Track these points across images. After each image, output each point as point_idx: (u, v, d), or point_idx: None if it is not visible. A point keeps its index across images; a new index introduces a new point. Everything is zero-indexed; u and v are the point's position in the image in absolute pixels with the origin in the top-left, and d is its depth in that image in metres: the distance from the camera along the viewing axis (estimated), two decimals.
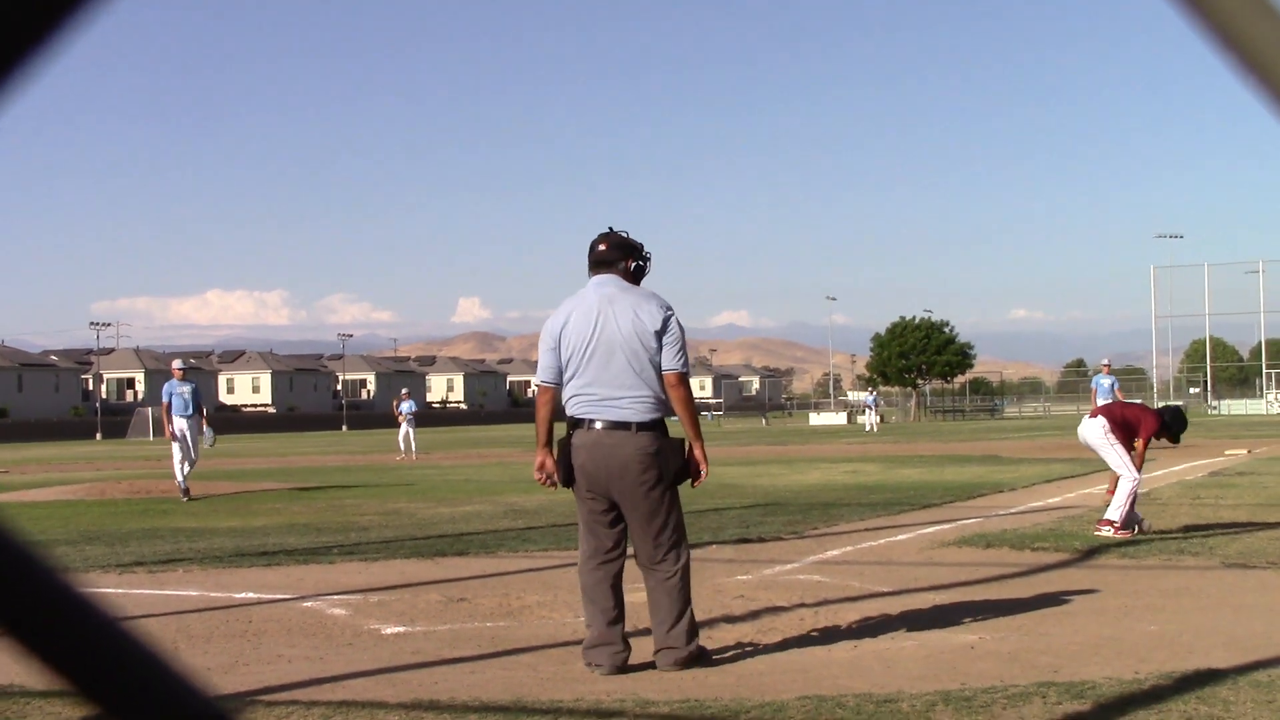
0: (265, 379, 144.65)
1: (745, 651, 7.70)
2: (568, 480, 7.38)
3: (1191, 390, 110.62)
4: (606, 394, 7.25)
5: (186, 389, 21.88)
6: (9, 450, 63.84)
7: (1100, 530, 12.84)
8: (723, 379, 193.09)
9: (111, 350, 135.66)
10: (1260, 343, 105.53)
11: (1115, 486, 13.19)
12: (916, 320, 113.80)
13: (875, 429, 67.48)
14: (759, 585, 10.29)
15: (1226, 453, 29.60)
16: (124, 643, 0.76)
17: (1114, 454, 13.18)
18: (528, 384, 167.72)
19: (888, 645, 7.79)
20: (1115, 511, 12.90)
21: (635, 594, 7.63)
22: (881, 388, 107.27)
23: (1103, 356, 35.65)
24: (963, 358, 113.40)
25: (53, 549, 13.65)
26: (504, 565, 11.88)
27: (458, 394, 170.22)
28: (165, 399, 21.86)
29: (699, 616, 7.53)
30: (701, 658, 7.31)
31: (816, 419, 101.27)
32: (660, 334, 7.29)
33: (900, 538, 13.69)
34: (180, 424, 21.58)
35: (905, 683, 6.68)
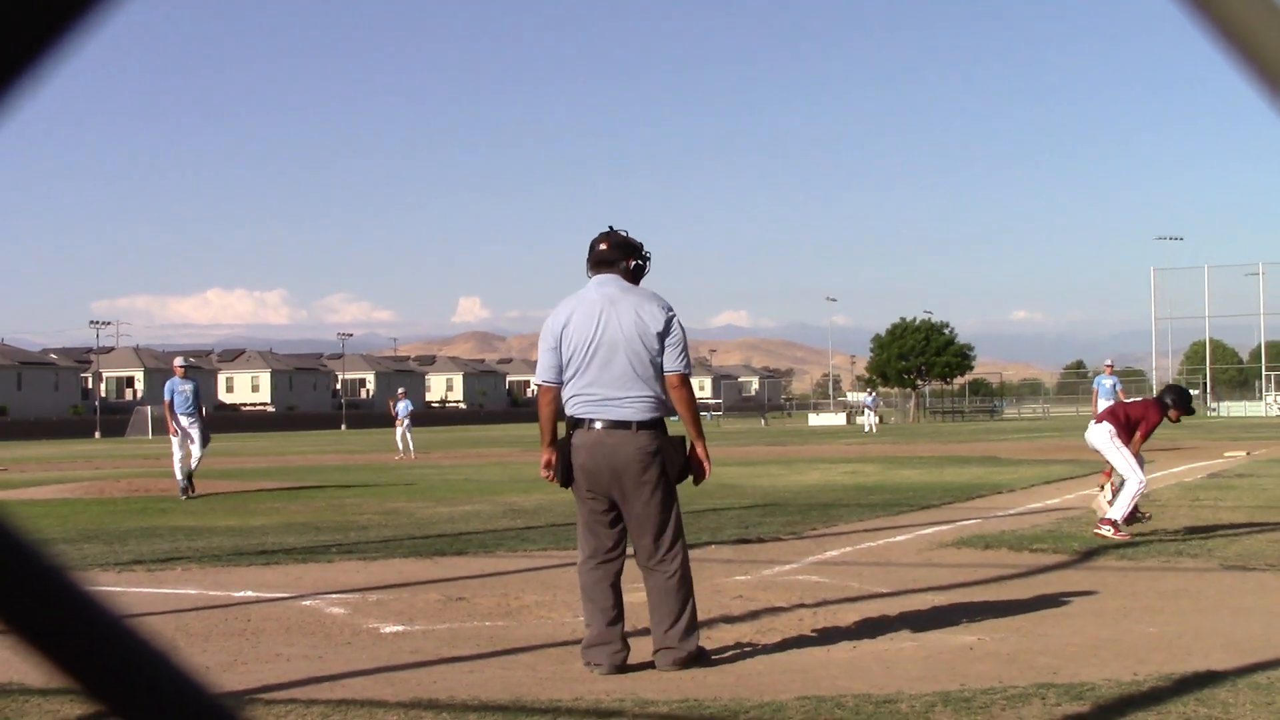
0: (265, 378, 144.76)
1: (744, 652, 7.70)
2: (567, 480, 7.39)
3: (1191, 392, 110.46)
4: (607, 394, 7.26)
5: (188, 387, 21.86)
6: (8, 448, 63.90)
7: (1100, 530, 12.85)
8: (722, 379, 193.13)
9: (111, 349, 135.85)
10: (1260, 345, 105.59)
11: (1118, 485, 13.23)
12: (916, 321, 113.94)
13: (874, 430, 67.49)
14: (758, 585, 10.30)
15: (1226, 455, 29.61)
16: (128, 640, 0.76)
17: (1119, 457, 13.25)
18: (527, 384, 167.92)
19: (887, 646, 7.79)
20: (1117, 512, 12.92)
21: (634, 594, 7.64)
22: (881, 389, 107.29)
23: (1104, 358, 35.66)
24: (962, 359, 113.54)
25: (52, 547, 13.63)
26: (503, 565, 11.89)
27: (457, 393, 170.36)
28: (167, 397, 21.84)
29: (698, 616, 7.52)
30: (700, 658, 7.31)
31: (816, 420, 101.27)
32: (662, 335, 7.30)
33: (899, 539, 13.70)
34: (182, 423, 21.58)
35: (904, 683, 6.69)
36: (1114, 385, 33.21)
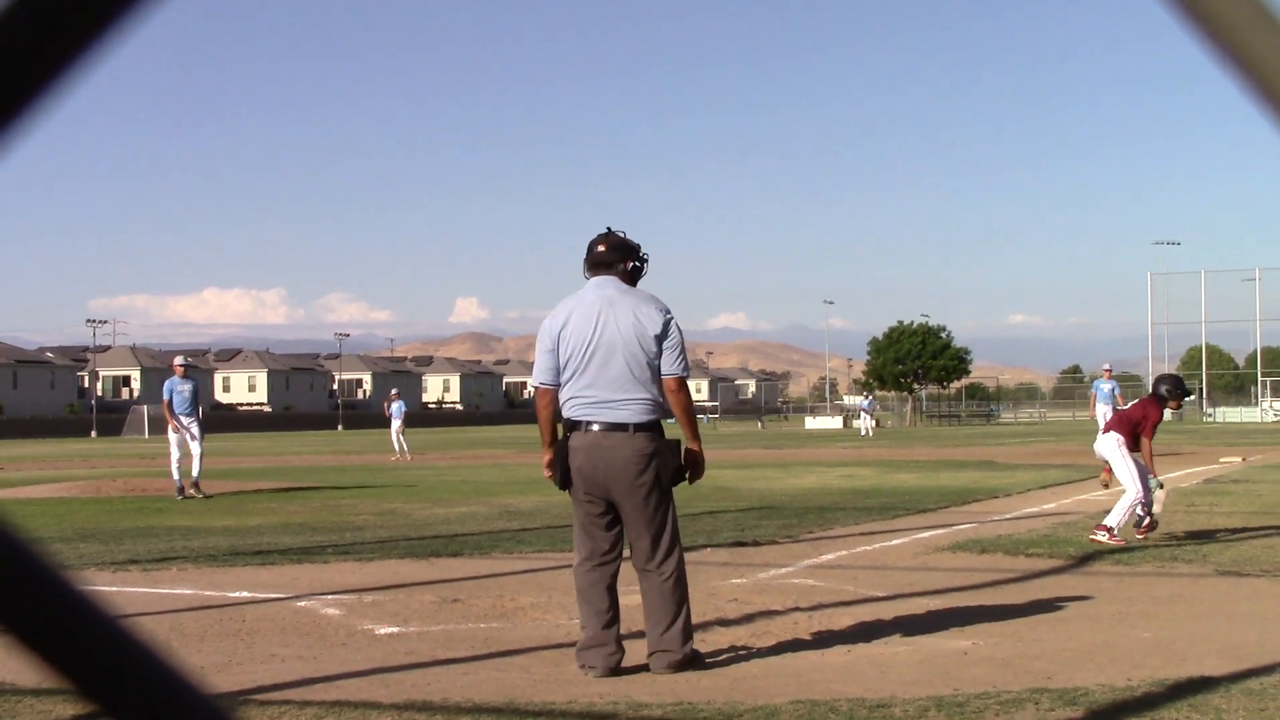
0: (261, 378, 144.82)
1: (739, 655, 7.71)
2: (564, 483, 7.40)
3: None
4: (605, 396, 7.26)
5: (188, 387, 21.85)
6: (4, 447, 63.91)
7: (1096, 536, 12.87)
8: (719, 382, 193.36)
9: (108, 348, 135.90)
10: (1256, 350, 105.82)
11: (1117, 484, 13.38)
12: (913, 325, 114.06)
13: (871, 433, 67.53)
14: (753, 589, 10.30)
15: (1221, 460, 29.63)
16: (122, 640, 0.76)
17: (1123, 466, 13.32)
18: (524, 385, 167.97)
19: (881, 650, 7.80)
20: (1113, 519, 12.95)
21: (630, 596, 7.65)
22: (878, 392, 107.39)
23: (1101, 362, 35.72)
24: (959, 363, 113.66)
25: (47, 546, 13.64)
26: (498, 566, 11.91)
27: (454, 394, 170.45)
28: (166, 396, 21.82)
29: (694, 619, 7.54)
30: (695, 661, 7.32)
31: (812, 423, 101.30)
32: (660, 338, 7.30)
33: (895, 542, 13.71)
34: (183, 422, 21.57)
35: (898, 688, 6.70)
36: (1112, 390, 33.28)
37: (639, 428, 7.25)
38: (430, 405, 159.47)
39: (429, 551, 13.03)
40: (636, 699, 6.61)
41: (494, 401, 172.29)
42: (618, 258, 7.50)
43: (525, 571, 11.46)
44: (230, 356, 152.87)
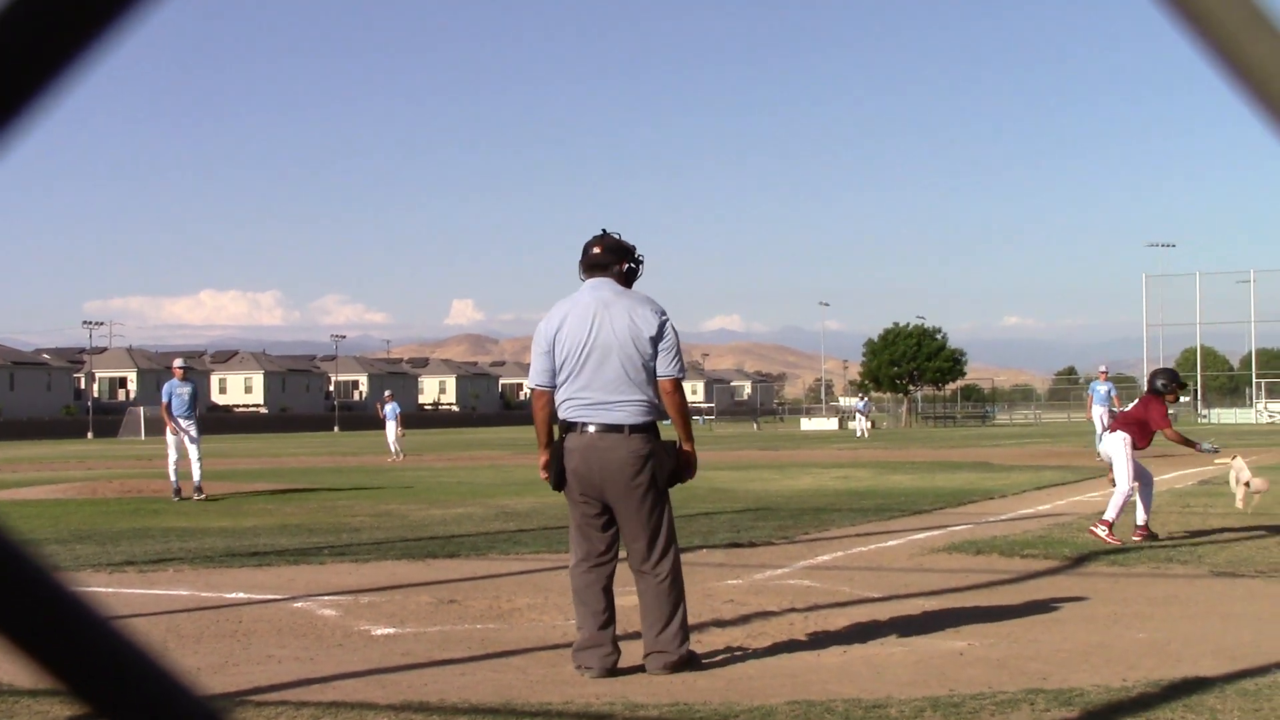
0: (258, 379, 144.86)
1: (735, 656, 7.72)
2: (560, 484, 7.41)
3: (1182, 399, 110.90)
4: (600, 398, 7.27)
5: (186, 390, 21.85)
6: (1, 449, 63.87)
7: (1095, 530, 13.00)
8: (715, 383, 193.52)
9: (104, 349, 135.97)
10: (1250, 352, 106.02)
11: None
12: (909, 327, 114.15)
13: (866, 435, 67.56)
14: (749, 590, 10.32)
15: (1216, 462, 29.62)
16: (116, 642, 0.76)
17: (1123, 463, 13.49)
18: (520, 386, 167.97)
19: (877, 651, 7.82)
20: (1110, 513, 13.10)
21: (626, 597, 7.66)
22: (873, 394, 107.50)
23: (1096, 364, 35.75)
24: (954, 364, 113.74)
25: (43, 548, 13.67)
26: (495, 568, 11.92)
27: (450, 396, 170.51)
28: (165, 399, 21.81)
29: (690, 620, 7.55)
30: (691, 662, 7.33)
31: (808, 424, 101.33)
32: (656, 339, 7.32)
33: (890, 544, 13.73)
34: (181, 424, 21.56)
35: (894, 689, 6.72)
36: (1109, 391, 33.29)
37: (634, 429, 7.26)
38: (426, 407, 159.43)
39: (425, 553, 13.04)
40: (633, 699, 6.63)
41: (490, 403, 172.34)
42: (613, 260, 7.51)
43: (521, 573, 11.47)
44: (226, 358, 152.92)
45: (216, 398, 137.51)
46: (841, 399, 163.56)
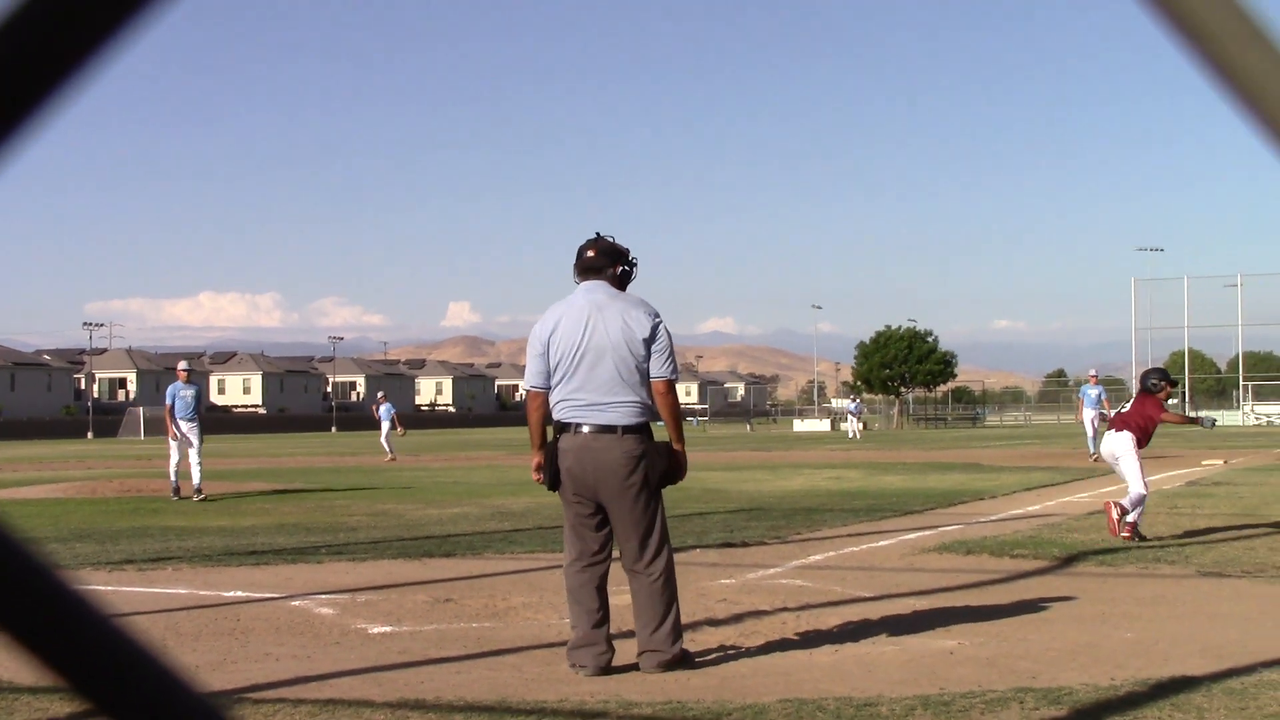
0: (256, 380, 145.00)
1: (728, 654, 7.75)
2: (554, 484, 7.44)
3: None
4: (594, 399, 7.31)
5: (190, 392, 21.88)
6: (1, 448, 63.88)
7: (1124, 534, 13.30)
8: (708, 385, 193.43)
9: (104, 350, 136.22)
10: (1238, 355, 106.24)
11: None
12: (900, 330, 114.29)
13: (858, 436, 67.56)
14: (742, 589, 10.36)
15: (1203, 463, 29.74)
16: (117, 639, 0.75)
17: (1133, 463, 13.70)
18: (516, 387, 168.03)
19: (868, 650, 7.85)
20: (1132, 516, 13.48)
21: (620, 596, 7.69)
22: (865, 396, 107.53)
23: (1086, 367, 35.87)
24: (945, 367, 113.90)
25: (44, 546, 13.72)
26: (490, 567, 11.96)
27: (446, 397, 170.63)
28: (169, 400, 21.84)
29: (683, 619, 7.58)
30: (685, 660, 7.36)
31: (800, 426, 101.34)
32: (649, 341, 7.35)
33: (882, 544, 13.78)
34: (182, 427, 21.55)
35: (885, 687, 6.74)
36: (1099, 395, 33.42)
37: (627, 430, 7.30)
38: (423, 407, 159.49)
39: (422, 552, 13.08)
40: (627, 697, 6.66)
41: (486, 404, 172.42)
42: (607, 263, 7.55)
43: (517, 572, 11.51)
44: (225, 359, 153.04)
45: (215, 398, 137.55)
46: (834, 401, 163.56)
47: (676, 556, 7.87)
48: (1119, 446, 13.90)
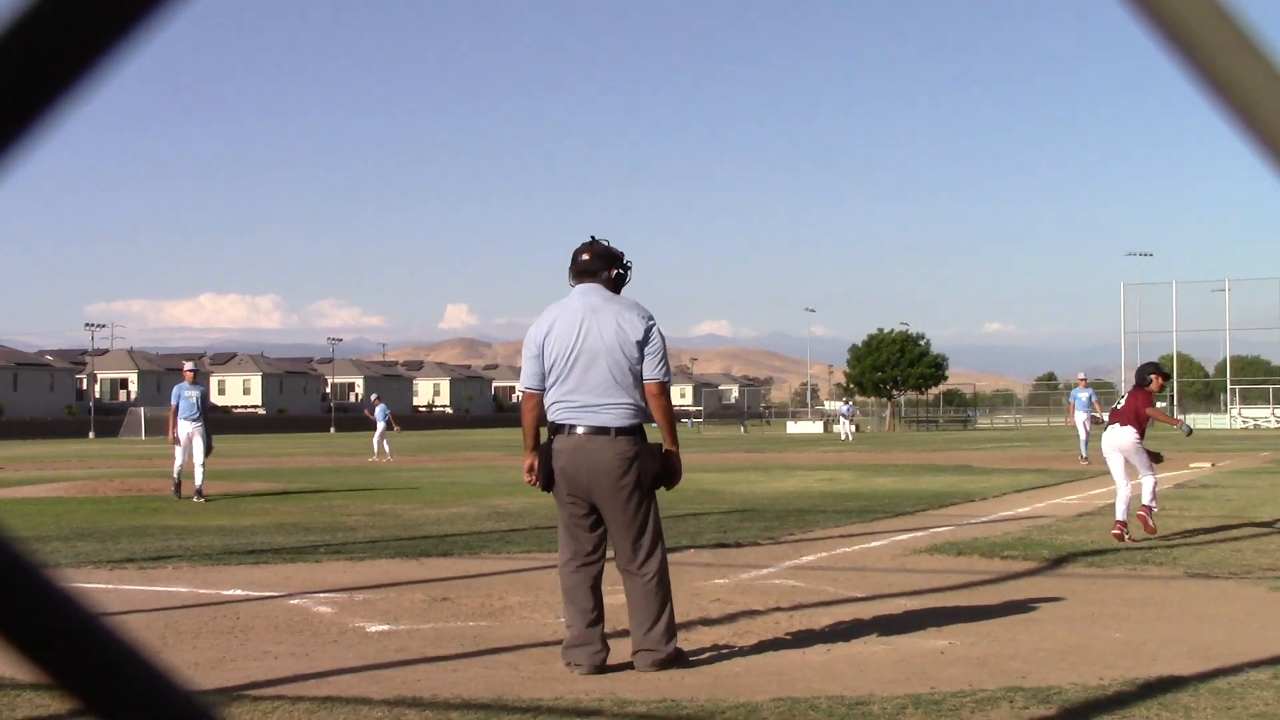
0: (256, 381, 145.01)
1: (721, 654, 7.79)
2: (548, 484, 7.47)
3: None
4: (588, 400, 7.35)
5: (195, 393, 21.89)
6: (4, 447, 63.93)
7: (1144, 519, 13.77)
8: (703, 387, 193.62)
9: (106, 351, 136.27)
10: (1225, 359, 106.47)
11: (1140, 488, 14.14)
12: (892, 333, 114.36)
13: (851, 438, 67.59)
14: (735, 589, 10.39)
15: (1191, 466, 29.84)
16: (106, 638, 0.74)
17: (1142, 458, 14.10)
18: (513, 389, 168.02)
19: (860, 649, 7.88)
20: (1150, 503, 13.93)
21: (615, 596, 7.74)
22: (858, 398, 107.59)
23: (1075, 370, 35.98)
24: (936, 370, 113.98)
25: (45, 545, 13.78)
26: (487, 566, 12.00)
27: (444, 398, 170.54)
28: (174, 401, 21.86)
29: (677, 619, 7.61)
30: (678, 659, 7.39)
31: (794, 428, 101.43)
32: (642, 344, 7.39)
33: (874, 544, 13.84)
34: (187, 428, 21.51)
35: (876, 686, 6.78)
36: (1089, 397, 33.60)
37: (621, 431, 7.34)
38: (421, 409, 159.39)
39: (419, 551, 13.13)
40: (621, 696, 6.70)
41: (483, 405, 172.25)
42: (602, 266, 7.60)
43: (513, 571, 11.55)
44: (226, 360, 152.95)
45: (215, 399, 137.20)
46: (827, 403, 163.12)
47: (671, 557, 7.91)
48: (1124, 441, 14.13)
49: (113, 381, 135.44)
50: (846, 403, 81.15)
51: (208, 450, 21.58)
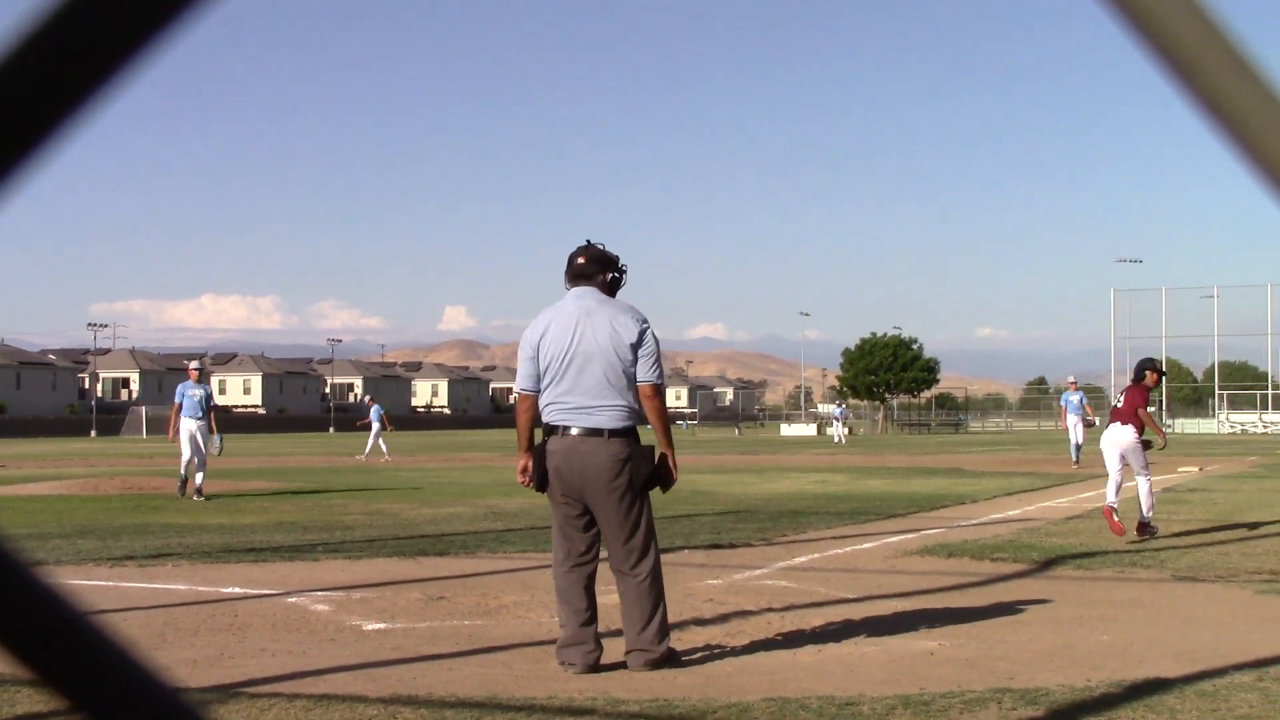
0: (256, 381, 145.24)
1: (714, 653, 7.83)
2: (542, 485, 7.52)
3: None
4: (582, 402, 7.41)
5: (199, 392, 21.90)
6: (6, 446, 63.84)
7: (1140, 535, 13.82)
8: (698, 390, 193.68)
9: (108, 351, 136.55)
10: (1214, 365, 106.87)
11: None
12: (885, 337, 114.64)
13: (844, 441, 67.64)
14: (728, 590, 10.44)
15: (1180, 470, 29.94)
16: (92, 636, 0.73)
17: (1140, 457, 14.31)
18: (510, 390, 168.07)
19: (851, 650, 7.93)
20: (1147, 512, 14.03)
21: (608, 596, 7.78)
22: (851, 401, 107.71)
23: (1066, 374, 36.13)
24: (929, 373, 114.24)
25: (47, 542, 13.86)
26: (483, 566, 12.04)
27: (442, 399, 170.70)
28: (177, 399, 21.89)
29: (670, 619, 7.67)
30: (671, 659, 7.44)
31: (788, 430, 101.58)
32: (636, 346, 7.45)
33: (865, 546, 13.90)
34: (190, 426, 21.50)
35: (867, 687, 6.82)
36: (1081, 400, 33.78)
37: (614, 433, 7.39)
38: (419, 410, 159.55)
39: (416, 550, 13.19)
40: (614, 695, 6.74)
41: (481, 406, 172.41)
42: (597, 269, 7.66)
43: (508, 571, 11.60)
44: (226, 360, 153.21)
45: (216, 398, 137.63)
46: (820, 406, 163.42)
47: (665, 557, 7.95)
48: (1124, 440, 14.29)
49: (114, 381, 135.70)
50: (840, 406, 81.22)
51: (219, 451, 21.61)
